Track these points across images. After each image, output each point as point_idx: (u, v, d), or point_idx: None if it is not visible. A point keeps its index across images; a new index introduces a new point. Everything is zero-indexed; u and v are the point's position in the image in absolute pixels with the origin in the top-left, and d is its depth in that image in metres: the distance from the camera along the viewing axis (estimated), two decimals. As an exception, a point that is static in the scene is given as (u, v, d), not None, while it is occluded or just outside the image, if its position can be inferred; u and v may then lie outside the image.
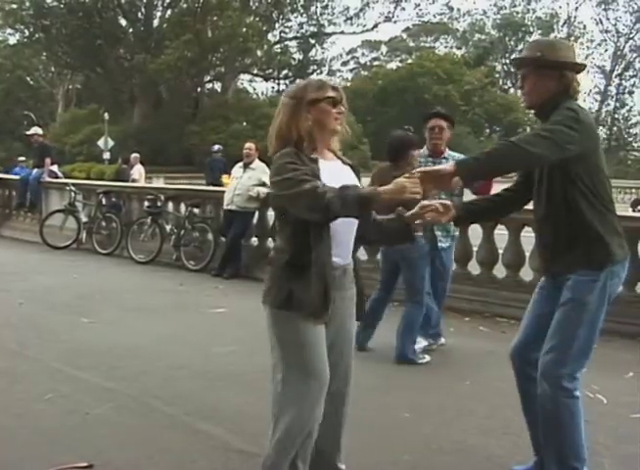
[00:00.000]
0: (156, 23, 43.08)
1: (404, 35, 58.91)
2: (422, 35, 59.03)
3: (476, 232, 6.91)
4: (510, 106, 49.52)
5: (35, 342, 5.45)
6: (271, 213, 7.93)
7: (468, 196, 4.88)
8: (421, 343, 5.35)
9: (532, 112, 3.01)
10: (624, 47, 56.88)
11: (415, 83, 46.35)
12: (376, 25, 48.07)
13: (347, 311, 2.73)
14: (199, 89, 44.61)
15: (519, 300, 5.53)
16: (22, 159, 19.17)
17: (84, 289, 7.70)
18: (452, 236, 5.38)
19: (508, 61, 52.39)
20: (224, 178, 13.55)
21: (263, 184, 8.43)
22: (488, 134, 52.83)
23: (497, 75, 56.92)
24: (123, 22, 42.87)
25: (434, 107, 7.50)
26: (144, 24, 42.40)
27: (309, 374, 2.57)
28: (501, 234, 6.93)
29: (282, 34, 47.20)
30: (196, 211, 9.70)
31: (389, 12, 47.51)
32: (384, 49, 59.18)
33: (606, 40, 57.51)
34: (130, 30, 42.68)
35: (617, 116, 58.31)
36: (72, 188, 11.45)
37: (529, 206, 3.08)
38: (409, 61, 53.25)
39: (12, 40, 45.50)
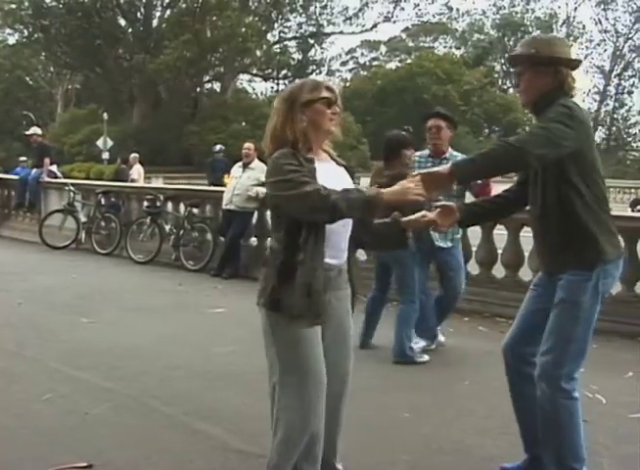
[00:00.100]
0: (155, 23, 43.11)
1: (403, 35, 58.91)
2: (421, 35, 59.04)
3: (475, 232, 6.91)
4: (509, 106, 49.51)
5: (35, 342, 5.45)
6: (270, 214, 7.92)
7: (468, 198, 4.90)
8: (420, 343, 5.35)
9: (528, 109, 3.01)
10: (623, 47, 56.95)
11: (414, 83, 46.34)
12: (375, 25, 48.10)
13: (344, 310, 2.74)
14: (198, 89, 44.60)
15: (518, 300, 5.48)
16: (24, 159, 19.16)
17: (83, 289, 7.70)
18: (452, 238, 5.27)
19: (507, 61, 52.29)
20: (226, 178, 13.53)
21: (262, 184, 8.42)
22: (487, 134, 52.82)
23: (496, 75, 56.88)
24: (122, 22, 42.89)
25: (433, 107, 7.50)
26: (143, 24, 42.42)
27: (306, 374, 2.57)
28: (500, 234, 6.93)
29: (281, 34, 47.24)
30: (195, 210, 9.70)
31: (389, 12, 47.56)
32: (383, 49, 59.18)
33: (605, 40, 57.59)
34: (129, 30, 42.69)
35: (615, 116, 58.32)
36: (71, 188, 11.45)
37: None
38: (408, 61, 53.22)
39: (11, 40, 45.63)
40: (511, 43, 55.99)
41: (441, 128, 5.22)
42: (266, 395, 2.72)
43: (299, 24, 47.07)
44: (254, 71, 47.73)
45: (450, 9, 53.06)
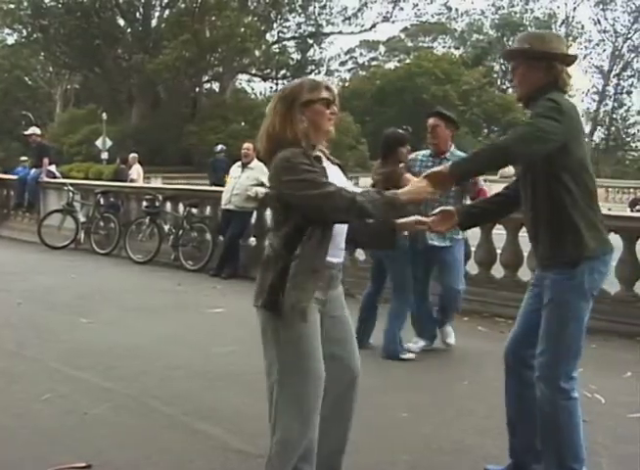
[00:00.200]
0: (154, 23, 43.11)
1: (402, 35, 58.88)
2: (420, 35, 59.01)
3: (474, 232, 6.90)
4: (508, 106, 49.45)
5: (34, 342, 5.45)
6: (269, 213, 7.92)
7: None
8: (419, 342, 5.36)
9: (522, 104, 3.02)
10: (622, 47, 56.91)
11: (413, 83, 46.34)
12: (374, 25, 48.14)
13: (342, 305, 2.77)
14: (197, 89, 44.61)
15: (517, 299, 5.48)
16: (24, 159, 19.14)
17: (83, 289, 7.69)
18: (450, 237, 5.24)
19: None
20: (227, 178, 13.51)
21: (262, 184, 8.42)
22: (486, 134, 52.79)
23: (495, 75, 56.86)
24: (121, 22, 42.90)
25: (432, 107, 7.50)
26: (142, 24, 42.41)
27: (306, 374, 2.56)
28: (499, 234, 6.94)
29: (280, 34, 47.26)
30: (194, 210, 9.71)
31: (388, 12, 47.62)
32: (382, 49, 59.14)
33: (604, 40, 57.55)
34: (128, 30, 42.69)
35: (615, 116, 58.28)
36: (71, 188, 11.44)
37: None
38: (407, 61, 53.20)
39: (10, 40, 45.66)
40: (510, 43, 56.03)
41: (438, 127, 5.22)
42: (266, 395, 2.72)
43: (298, 24, 47.14)
44: (253, 71, 47.73)
45: (449, 9, 53.24)
